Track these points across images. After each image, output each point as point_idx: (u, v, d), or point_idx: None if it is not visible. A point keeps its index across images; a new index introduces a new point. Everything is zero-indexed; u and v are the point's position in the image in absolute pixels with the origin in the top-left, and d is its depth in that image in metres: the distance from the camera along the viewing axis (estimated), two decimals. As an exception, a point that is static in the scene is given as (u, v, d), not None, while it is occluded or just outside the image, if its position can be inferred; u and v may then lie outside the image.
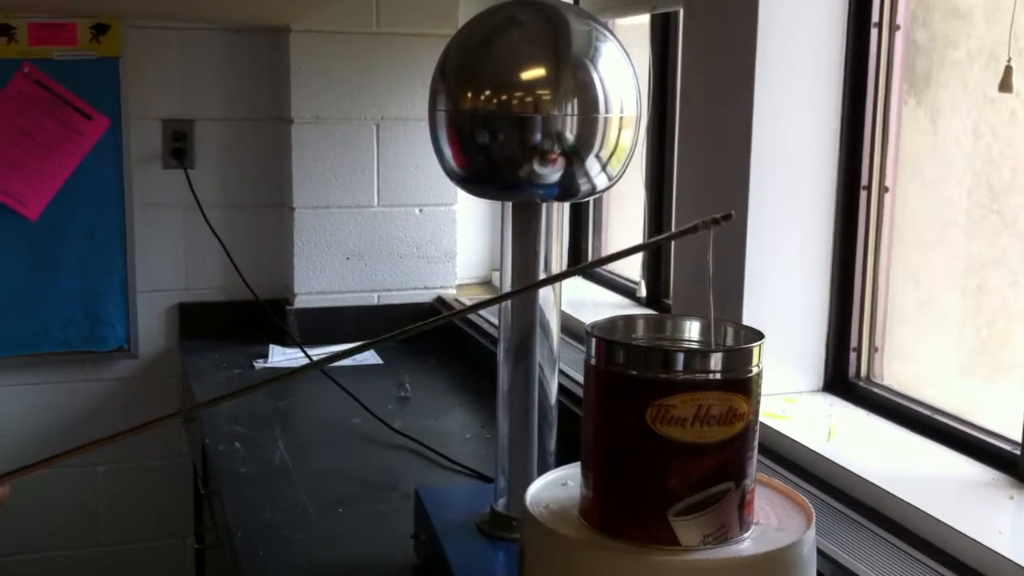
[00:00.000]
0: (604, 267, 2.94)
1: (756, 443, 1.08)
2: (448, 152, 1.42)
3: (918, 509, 1.43)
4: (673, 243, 2.05)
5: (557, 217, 1.49)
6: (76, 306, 2.87)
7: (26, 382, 2.90)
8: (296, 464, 2.05)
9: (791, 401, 1.84)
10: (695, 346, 1.15)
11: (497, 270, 3.12)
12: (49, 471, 2.95)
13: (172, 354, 2.99)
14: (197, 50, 2.91)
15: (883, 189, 1.81)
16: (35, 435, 2.94)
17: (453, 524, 1.53)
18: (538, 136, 1.35)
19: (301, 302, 2.92)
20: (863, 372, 1.86)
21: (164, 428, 3.00)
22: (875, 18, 1.78)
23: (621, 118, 1.39)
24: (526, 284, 1.46)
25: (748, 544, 1.07)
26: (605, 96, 1.37)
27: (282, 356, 2.77)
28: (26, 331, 2.85)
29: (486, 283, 3.19)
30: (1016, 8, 1.46)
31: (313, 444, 2.19)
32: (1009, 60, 1.46)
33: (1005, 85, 1.46)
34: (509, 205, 1.47)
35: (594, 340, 1.08)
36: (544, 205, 1.46)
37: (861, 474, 1.55)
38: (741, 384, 1.04)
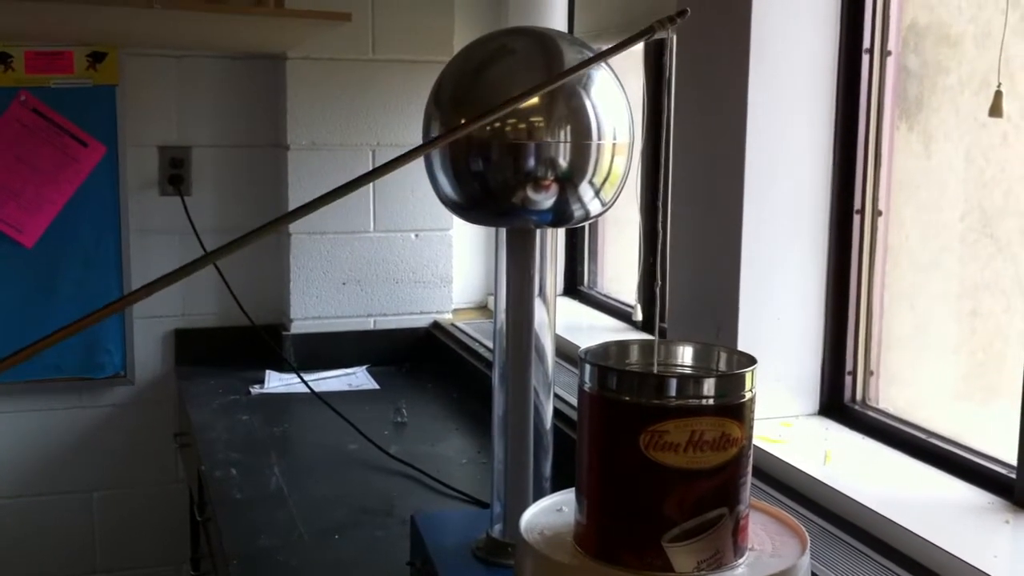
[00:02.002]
0: (600, 291, 2.94)
1: (750, 468, 1.08)
2: (442, 179, 1.43)
3: (914, 533, 1.43)
4: (669, 268, 2.06)
5: (551, 242, 1.49)
6: (72, 332, 2.87)
7: (22, 408, 2.90)
8: (292, 490, 2.05)
9: (787, 425, 1.84)
10: (688, 371, 1.16)
11: (493, 294, 3.13)
12: (44, 497, 2.95)
13: (168, 380, 2.99)
14: (194, 77, 2.92)
15: (876, 213, 1.82)
16: (31, 461, 2.94)
17: (449, 550, 1.52)
18: (531, 163, 1.36)
19: (297, 327, 2.92)
20: (858, 396, 1.87)
21: (160, 454, 3.00)
22: (867, 44, 1.79)
23: (614, 144, 1.40)
24: (521, 310, 1.47)
25: (742, 570, 1.06)
26: (598, 123, 1.38)
27: (278, 381, 2.77)
28: (22, 358, 2.85)
29: (482, 307, 3.19)
30: (1006, 34, 1.47)
31: (309, 470, 2.19)
32: (999, 85, 1.47)
33: (995, 110, 1.47)
34: (504, 231, 1.48)
35: (587, 366, 1.09)
36: (538, 231, 1.46)
37: (857, 498, 1.55)
38: (734, 409, 1.04)
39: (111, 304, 0.98)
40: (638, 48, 2.56)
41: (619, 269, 2.91)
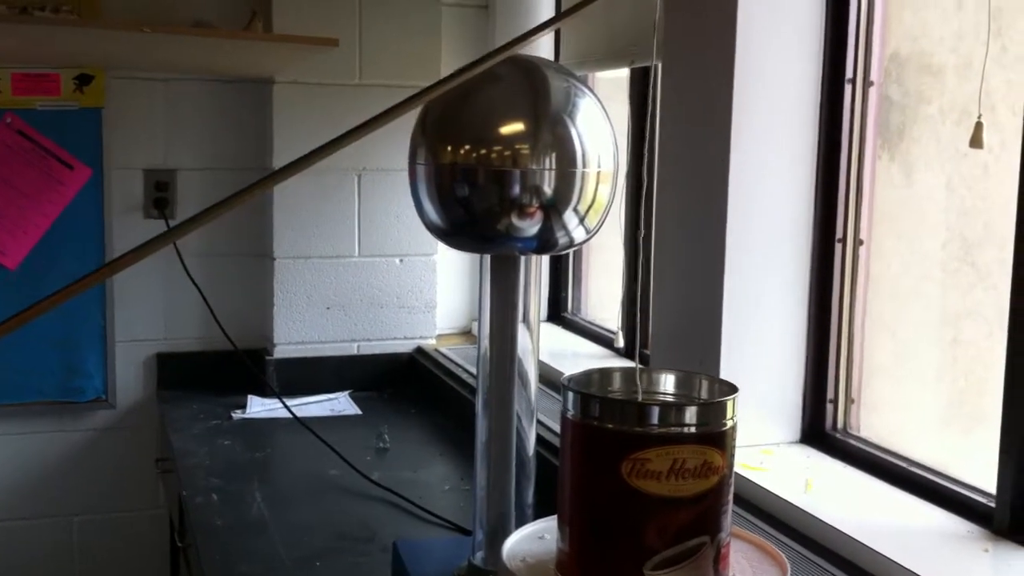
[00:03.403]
0: (584, 317, 2.95)
1: (731, 496, 1.08)
2: (428, 205, 1.43)
3: (894, 562, 1.43)
4: (652, 294, 2.06)
5: (535, 269, 1.50)
6: (54, 356, 2.86)
7: (2, 432, 2.88)
8: (273, 516, 2.04)
9: (768, 453, 1.85)
10: (671, 399, 1.16)
11: (477, 320, 3.13)
12: (23, 522, 2.93)
13: (150, 404, 2.98)
14: (181, 100, 2.92)
15: (858, 242, 1.83)
16: (11, 485, 2.92)
17: (431, 577, 1.52)
18: (516, 190, 1.36)
19: (280, 352, 2.92)
20: (840, 424, 1.87)
21: (141, 479, 2.98)
22: (849, 74, 1.81)
23: (599, 172, 1.40)
24: (504, 336, 1.47)
25: (724, 598, 1.07)
26: (583, 151, 1.39)
27: (261, 407, 2.76)
28: (3, 381, 2.83)
29: (466, 333, 3.19)
30: (987, 65, 1.49)
31: (290, 496, 2.18)
32: (980, 116, 1.48)
33: (976, 141, 1.48)
34: (488, 257, 1.48)
35: (570, 393, 1.09)
36: (523, 257, 1.47)
37: (837, 526, 1.55)
38: (716, 437, 1.05)
39: (89, 275, 0.99)
40: (623, 75, 2.58)
41: (603, 296, 2.92)
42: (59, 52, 2.66)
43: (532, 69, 1.45)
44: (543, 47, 2.92)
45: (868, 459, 1.77)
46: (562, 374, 1.20)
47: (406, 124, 1.56)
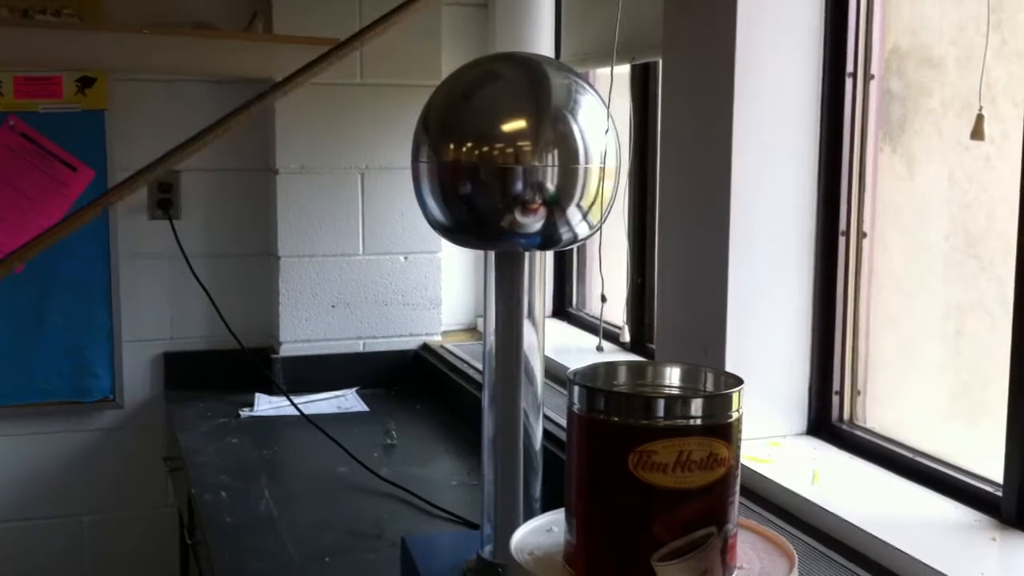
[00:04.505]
0: (588, 312, 2.96)
1: (738, 488, 1.09)
2: (431, 203, 1.44)
3: (901, 551, 1.44)
4: (657, 289, 2.07)
5: (540, 265, 1.51)
6: (61, 356, 2.87)
7: (10, 433, 2.89)
8: (282, 513, 2.05)
9: (775, 445, 1.85)
10: (676, 392, 1.17)
11: (482, 316, 3.14)
12: (33, 522, 2.94)
13: (157, 404, 2.99)
14: (183, 101, 2.93)
15: (861, 235, 1.84)
16: (19, 485, 2.93)
17: (440, 572, 1.53)
18: (519, 187, 1.37)
19: (287, 350, 2.93)
20: (846, 415, 1.88)
21: (149, 478, 3.00)
22: (850, 68, 1.81)
23: (601, 168, 1.41)
24: (510, 332, 1.48)
25: (731, 589, 1.07)
26: (585, 147, 1.39)
27: (268, 404, 2.77)
28: (11, 382, 2.85)
29: (471, 329, 3.20)
30: (987, 57, 1.50)
31: (299, 493, 2.19)
32: (981, 109, 1.49)
33: (977, 133, 1.49)
34: (492, 254, 1.49)
35: (576, 387, 1.10)
36: (527, 254, 1.47)
37: (845, 517, 1.56)
38: (722, 429, 1.05)
39: (87, 207, 1.00)
40: (624, 71, 2.58)
41: (607, 290, 2.91)
42: (61, 56, 2.67)
43: (533, 66, 1.46)
44: (544, 44, 2.92)
45: (875, 450, 1.78)
46: (567, 369, 1.21)
47: (407, 121, 1.57)
